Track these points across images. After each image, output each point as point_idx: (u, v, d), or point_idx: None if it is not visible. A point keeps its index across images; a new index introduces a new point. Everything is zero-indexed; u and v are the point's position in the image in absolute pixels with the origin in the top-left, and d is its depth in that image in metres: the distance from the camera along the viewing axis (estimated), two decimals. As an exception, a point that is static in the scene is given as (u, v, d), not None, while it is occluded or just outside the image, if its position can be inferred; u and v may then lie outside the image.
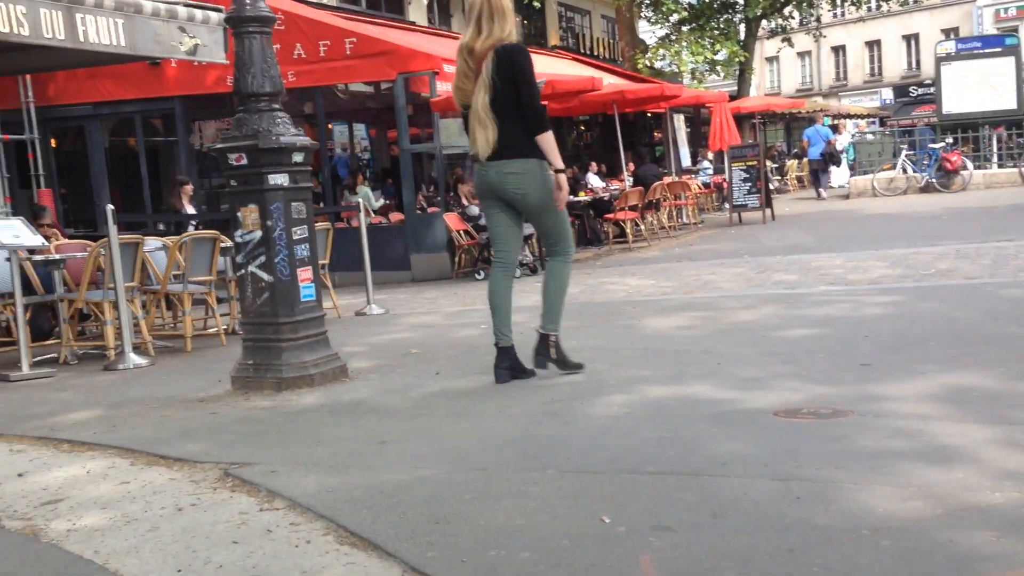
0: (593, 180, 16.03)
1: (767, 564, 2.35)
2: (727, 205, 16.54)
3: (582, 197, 14.04)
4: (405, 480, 3.30)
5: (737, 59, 24.12)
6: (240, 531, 2.93)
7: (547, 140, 4.68)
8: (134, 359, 6.71)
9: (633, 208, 13.77)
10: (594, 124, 21.43)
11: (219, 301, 8.20)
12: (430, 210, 12.35)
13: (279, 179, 5.16)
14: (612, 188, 15.50)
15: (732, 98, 22.34)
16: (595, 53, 25.01)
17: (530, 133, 4.67)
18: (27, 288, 7.10)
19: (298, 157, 5.24)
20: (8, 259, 6.81)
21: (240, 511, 3.13)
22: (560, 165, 4.72)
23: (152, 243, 8.16)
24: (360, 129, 16.78)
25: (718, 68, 26.00)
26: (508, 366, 4.87)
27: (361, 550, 2.68)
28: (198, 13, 8.31)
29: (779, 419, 3.72)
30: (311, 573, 2.54)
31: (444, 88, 11.08)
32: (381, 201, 13.95)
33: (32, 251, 7.43)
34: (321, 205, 12.65)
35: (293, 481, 3.39)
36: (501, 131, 4.68)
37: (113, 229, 6.60)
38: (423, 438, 3.92)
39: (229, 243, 8.19)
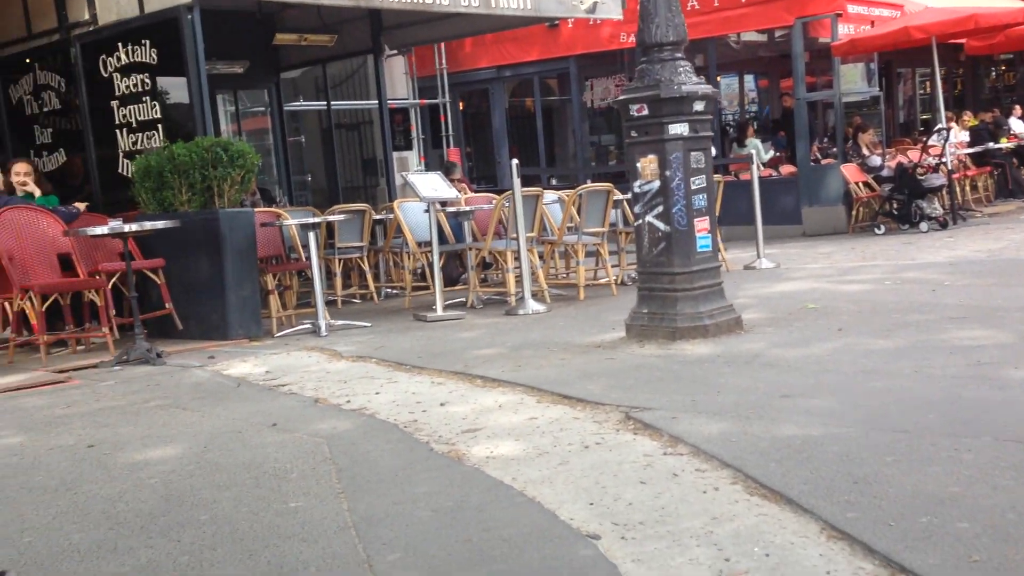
0: (1017, 125, 14.30)
1: None
2: None
3: (1004, 144, 12.58)
4: (815, 436, 3.12)
5: None
6: (646, 472, 2.94)
7: None
8: (533, 305, 7.07)
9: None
10: (1019, 62, 19.07)
11: (610, 253, 8.40)
12: (824, 162, 11.73)
13: (679, 128, 5.11)
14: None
15: None
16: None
17: None
18: (440, 238, 7.75)
19: (699, 106, 5.16)
20: (426, 211, 7.46)
21: (644, 453, 3.15)
22: None
23: (549, 196, 8.54)
24: (749, 80, 16.32)
25: None
26: None
27: (772, 503, 2.57)
28: (596, -30, 8.47)
29: None
30: (721, 519, 2.48)
31: (845, 31, 10.40)
32: (771, 153, 13.49)
33: (444, 204, 8.08)
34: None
35: (695, 428, 3.36)
36: None
37: (517, 183, 6.97)
38: (830, 394, 3.70)
39: (621, 196, 8.36)
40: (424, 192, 7.23)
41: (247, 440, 3.78)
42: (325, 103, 12.33)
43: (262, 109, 14.43)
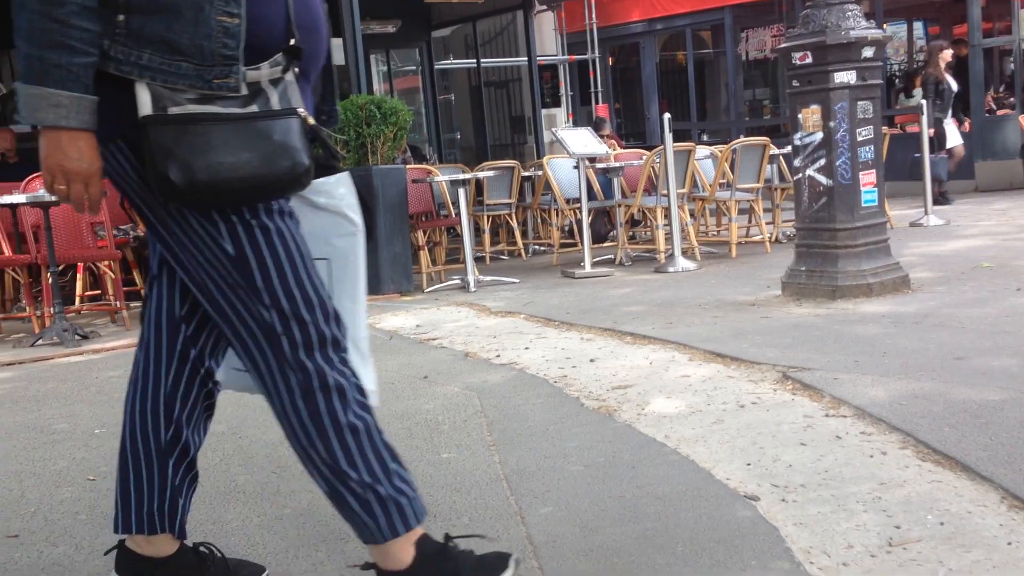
0: None
1: None
2: None
3: None
4: (993, 400, 2.92)
5: None
6: (806, 434, 2.82)
7: None
8: (682, 263, 6.92)
9: None
10: None
11: (764, 210, 8.12)
12: (1000, 112, 10.96)
13: (846, 77, 4.84)
14: None
15: None
16: None
17: None
18: (589, 194, 7.66)
19: (868, 52, 4.86)
20: (575, 167, 7.38)
21: (804, 414, 3.02)
22: None
23: (701, 151, 8.31)
24: (918, 27, 15.39)
25: None
26: None
27: (947, 469, 2.41)
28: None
29: None
30: (890, 485, 2.34)
31: (1027, -31, 9.62)
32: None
33: (593, 160, 7.98)
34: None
35: (859, 390, 3.19)
36: None
37: (668, 138, 6.80)
38: (1009, 357, 3.45)
39: (777, 151, 8.05)
40: (574, 148, 7.15)
41: (399, 391, 3.84)
42: (475, 61, 12.37)
43: (413, 68, 14.63)
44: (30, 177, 6.17)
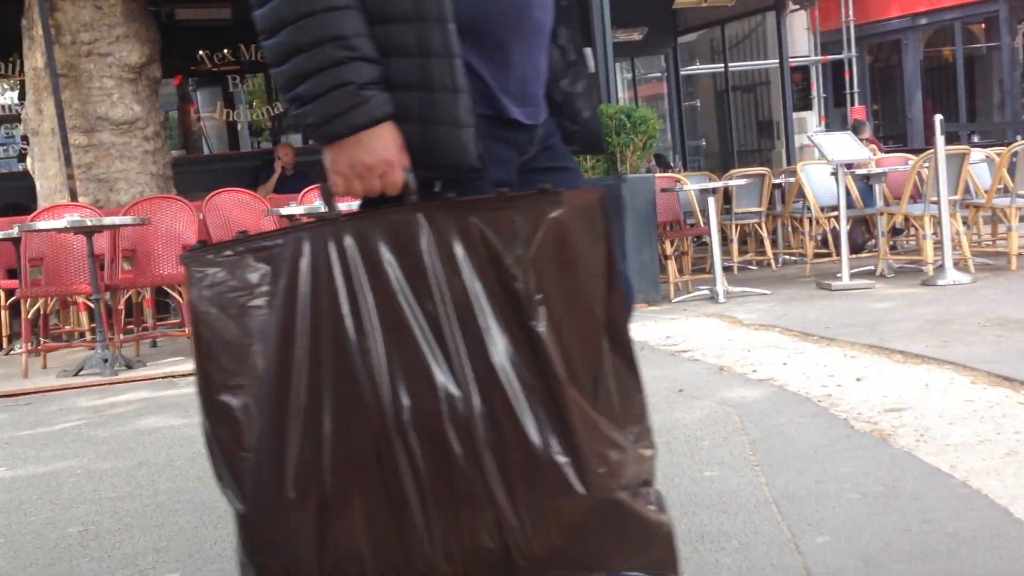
0: None
1: None
2: None
3: None
4: None
5: None
6: (1122, 473, 2.51)
7: None
8: (954, 275, 6.44)
9: None
10: None
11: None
12: None
13: None
14: None
15: None
16: None
17: None
18: (847, 201, 7.28)
19: None
20: (833, 173, 7.04)
21: (1116, 450, 2.70)
22: None
23: (976, 155, 7.70)
24: None
25: None
26: None
27: None
28: None
29: None
30: None
31: None
32: None
33: (849, 165, 7.59)
34: None
35: None
36: None
37: (940, 140, 6.34)
38: None
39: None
40: (832, 154, 6.82)
41: (655, 404, 3.79)
42: (722, 65, 12.12)
43: (657, 75, 14.55)
44: (307, 189, 6.65)
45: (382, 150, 1.31)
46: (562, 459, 1.24)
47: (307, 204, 6.15)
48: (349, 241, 1.24)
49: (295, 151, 9.98)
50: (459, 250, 1.25)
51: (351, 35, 1.30)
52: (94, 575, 2.38)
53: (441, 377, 1.23)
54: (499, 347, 1.24)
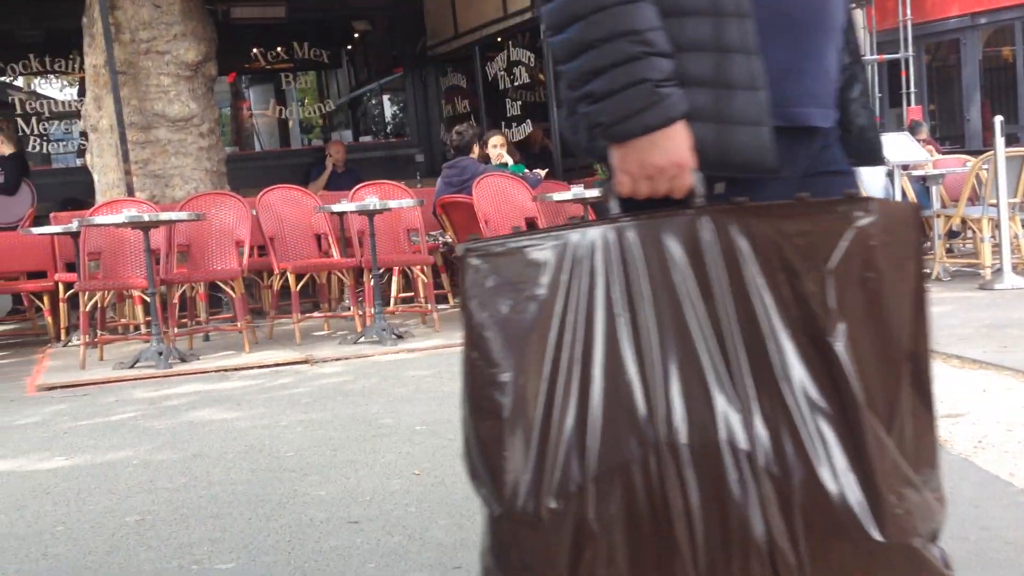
0: None
1: None
2: None
3: None
4: None
5: None
6: None
7: None
8: (1012, 279, 6.31)
9: None
10: None
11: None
12: None
13: None
14: None
15: None
16: None
17: None
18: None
19: None
20: (889, 174, 6.94)
21: None
22: None
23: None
24: None
25: None
26: None
27: None
28: None
29: None
30: None
31: None
32: None
33: (906, 167, 7.46)
34: None
35: None
36: None
37: (1000, 142, 6.22)
38: None
39: None
40: (889, 155, 6.71)
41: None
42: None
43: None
44: (358, 186, 6.71)
45: (675, 152, 1.24)
46: (855, 494, 1.09)
47: (358, 201, 6.20)
48: (633, 240, 1.17)
49: (346, 148, 10.07)
50: (748, 258, 1.15)
51: (645, 29, 1.23)
52: (151, 564, 2.42)
53: (720, 391, 1.13)
54: (788, 364, 1.12)
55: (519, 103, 9.72)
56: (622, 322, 1.15)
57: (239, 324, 6.01)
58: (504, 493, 1.16)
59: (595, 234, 1.18)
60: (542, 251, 1.19)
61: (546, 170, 7.96)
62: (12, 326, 8.08)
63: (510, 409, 1.17)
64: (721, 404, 1.12)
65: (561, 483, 1.13)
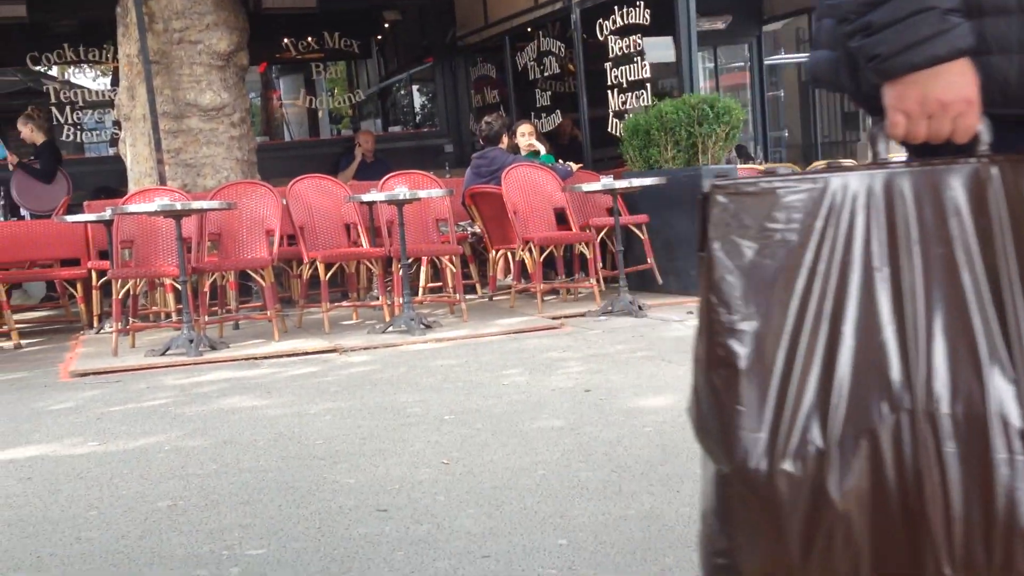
0: None
1: None
2: None
3: None
4: None
5: None
6: None
7: None
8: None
9: None
10: None
11: None
12: None
13: None
14: None
15: None
16: None
17: None
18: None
19: None
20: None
21: None
22: None
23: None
24: None
25: None
26: None
27: None
28: None
29: None
30: None
31: None
32: None
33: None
34: None
35: None
36: None
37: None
38: None
39: None
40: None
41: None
42: (808, 55, 11.86)
43: (739, 64, 14.29)
44: (387, 176, 6.72)
45: (964, 87, 1.13)
46: None
47: (387, 191, 6.22)
48: (904, 189, 1.07)
49: (375, 138, 10.09)
50: None
51: None
52: (183, 549, 2.45)
53: (993, 360, 1.01)
54: None
55: (549, 94, 9.69)
56: (880, 277, 1.05)
57: (269, 313, 6.05)
58: (735, 450, 1.06)
59: (857, 180, 1.09)
60: (797, 194, 1.10)
61: (579, 165, 7.93)
62: (46, 313, 8.19)
63: (748, 360, 1.07)
64: (993, 374, 1.00)
65: (800, 445, 1.03)
